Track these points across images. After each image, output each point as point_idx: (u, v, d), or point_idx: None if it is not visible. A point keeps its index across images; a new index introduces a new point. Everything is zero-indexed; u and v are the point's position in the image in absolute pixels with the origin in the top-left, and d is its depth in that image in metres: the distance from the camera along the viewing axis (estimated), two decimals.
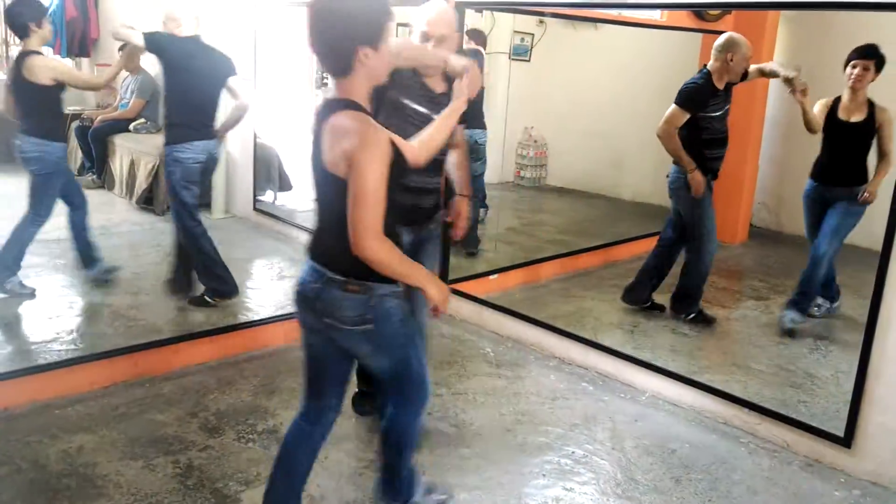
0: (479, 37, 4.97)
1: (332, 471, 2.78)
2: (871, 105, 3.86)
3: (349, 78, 1.98)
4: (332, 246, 2.06)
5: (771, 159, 6.12)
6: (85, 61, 7.73)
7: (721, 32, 5.69)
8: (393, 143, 1.96)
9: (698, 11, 5.64)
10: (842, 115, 3.92)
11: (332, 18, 1.94)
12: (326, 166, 1.97)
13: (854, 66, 3.84)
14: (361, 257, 1.92)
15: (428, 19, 2.73)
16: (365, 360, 2.28)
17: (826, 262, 4.05)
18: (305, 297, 2.12)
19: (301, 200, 6.33)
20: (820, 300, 4.32)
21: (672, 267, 4.32)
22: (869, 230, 4.06)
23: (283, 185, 6.03)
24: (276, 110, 5.69)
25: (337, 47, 1.95)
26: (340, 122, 1.95)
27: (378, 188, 1.89)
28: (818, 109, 3.98)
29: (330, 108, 2.00)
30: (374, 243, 1.90)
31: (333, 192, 1.97)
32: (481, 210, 5.47)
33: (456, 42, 2.85)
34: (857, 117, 3.88)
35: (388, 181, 1.91)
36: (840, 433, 3.00)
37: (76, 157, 6.63)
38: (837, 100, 3.94)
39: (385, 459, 2.43)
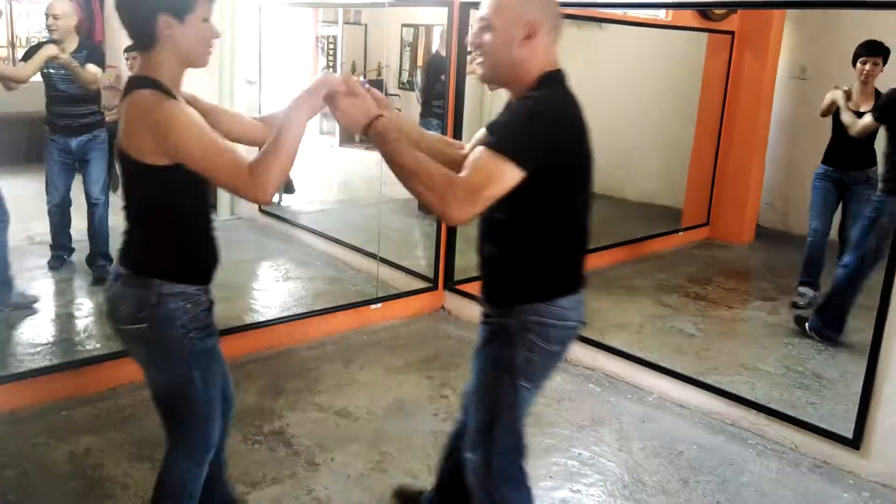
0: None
1: (339, 473, 2.77)
2: (877, 94, 4.18)
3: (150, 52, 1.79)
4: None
5: (777, 160, 6.11)
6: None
7: (726, 32, 5.74)
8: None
9: (703, 11, 5.63)
10: (852, 105, 4.24)
11: None
12: (129, 152, 1.81)
13: (864, 63, 4.18)
14: (265, 202, 1.86)
15: None
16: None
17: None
18: None
19: (307, 202, 6.34)
20: (802, 289, 4.55)
21: None
22: None
23: (288, 187, 6.04)
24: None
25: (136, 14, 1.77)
26: (135, 102, 1.74)
27: (214, 146, 1.71)
28: (832, 100, 4.29)
29: (128, 86, 1.80)
30: (270, 188, 1.71)
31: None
32: None
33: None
34: (865, 106, 4.18)
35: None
36: (849, 435, 2.98)
37: None
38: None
39: None
